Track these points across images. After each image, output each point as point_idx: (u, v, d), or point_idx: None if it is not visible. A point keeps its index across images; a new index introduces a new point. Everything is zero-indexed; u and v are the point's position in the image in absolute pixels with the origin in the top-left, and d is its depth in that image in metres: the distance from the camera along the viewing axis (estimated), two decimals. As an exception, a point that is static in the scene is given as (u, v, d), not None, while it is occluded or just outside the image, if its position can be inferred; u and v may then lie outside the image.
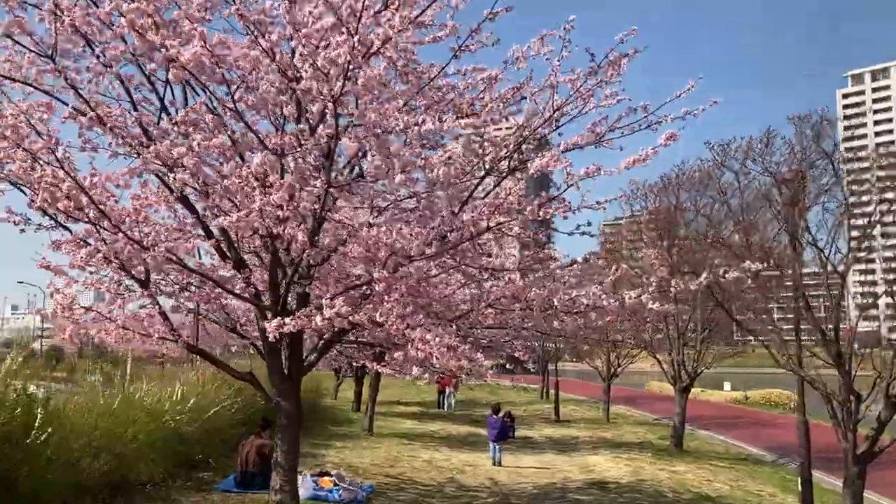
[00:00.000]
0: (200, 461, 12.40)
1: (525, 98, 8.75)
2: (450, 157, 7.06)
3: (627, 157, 7.12)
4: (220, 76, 7.28)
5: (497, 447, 17.21)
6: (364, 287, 9.01)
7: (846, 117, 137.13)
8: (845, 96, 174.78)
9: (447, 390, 34.61)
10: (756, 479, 18.26)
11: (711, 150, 12.39)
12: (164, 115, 8.62)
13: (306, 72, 6.52)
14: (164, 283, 10.13)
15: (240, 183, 7.05)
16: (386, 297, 7.89)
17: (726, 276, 7.72)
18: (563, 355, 49.96)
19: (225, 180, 7.20)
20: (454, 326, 8.96)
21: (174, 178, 7.31)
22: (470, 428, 26.53)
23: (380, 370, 20.13)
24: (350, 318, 7.57)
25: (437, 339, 7.36)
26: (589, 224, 9.98)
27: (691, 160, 14.88)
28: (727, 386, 45.90)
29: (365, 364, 30.42)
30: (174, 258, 8.43)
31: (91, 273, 9.21)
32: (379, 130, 6.86)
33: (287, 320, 7.92)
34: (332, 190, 7.55)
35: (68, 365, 28.11)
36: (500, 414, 17.80)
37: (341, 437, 19.65)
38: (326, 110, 6.99)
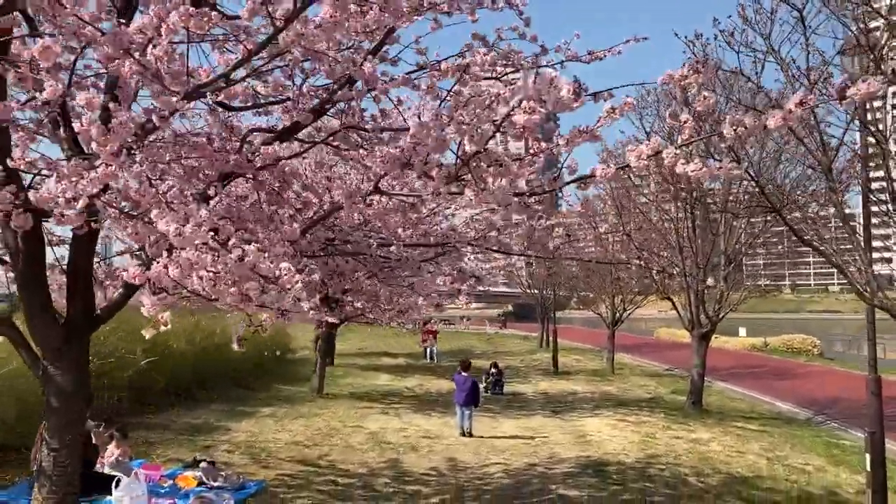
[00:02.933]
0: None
1: None
2: None
3: None
4: None
5: (466, 413, 13.03)
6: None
7: None
8: None
9: (429, 341, 30.49)
10: (795, 447, 14.05)
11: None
12: None
13: None
14: None
15: None
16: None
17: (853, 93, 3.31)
18: (565, 300, 45.87)
19: None
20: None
21: None
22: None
23: (329, 318, 16.10)
24: None
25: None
26: (577, 82, 5.91)
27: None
28: (742, 332, 41.54)
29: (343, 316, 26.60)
30: None
31: None
32: None
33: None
34: None
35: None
36: (470, 371, 13.57)
37: (282, 399, 15.53)
38: None
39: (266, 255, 3.25)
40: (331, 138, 5.70)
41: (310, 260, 6.07)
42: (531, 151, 3.64)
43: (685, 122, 3.92)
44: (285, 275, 3.19)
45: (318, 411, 14.32)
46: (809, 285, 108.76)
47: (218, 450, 9.90)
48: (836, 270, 9.20)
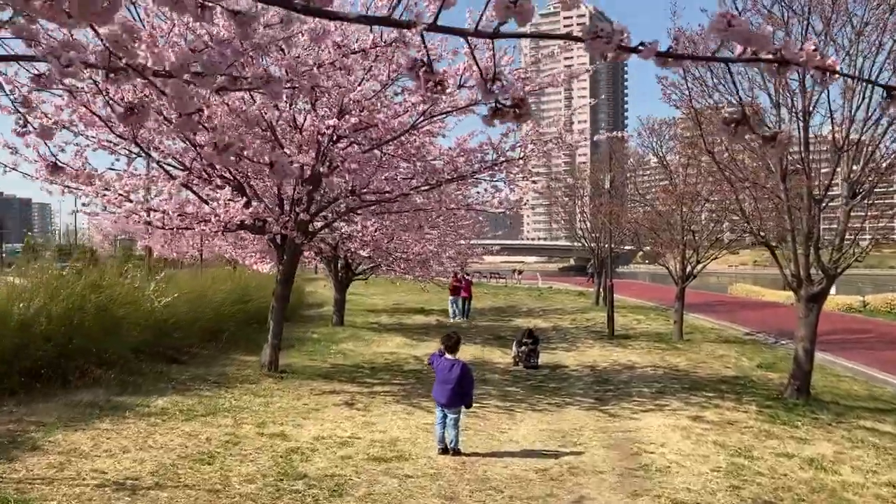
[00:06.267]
0: None
1: None
2: None
3: None
4: None
5: (451, 418, 7.90)
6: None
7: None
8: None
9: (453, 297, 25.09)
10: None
11: None
12: None
13: None
14: None
15: None
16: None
17: None
18: (630, 254, 40.12)
19: None
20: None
21: None
22: (481, 351, 17.37)
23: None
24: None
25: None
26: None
27: None
28: (832, 289, 34.82)
29: (349, 264, 21.67)
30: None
31: None
32: None
33: None
34: None
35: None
36: (457, 353, 8.28)
37: (210, 381, 10.68)
38: None
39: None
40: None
41: None
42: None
43: None
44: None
45: (246, 402, 9.43)
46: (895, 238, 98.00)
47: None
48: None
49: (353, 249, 17.18)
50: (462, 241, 26.79)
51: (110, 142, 10.18)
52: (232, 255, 11.36)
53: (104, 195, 9.21)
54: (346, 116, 9.46)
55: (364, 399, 10.36)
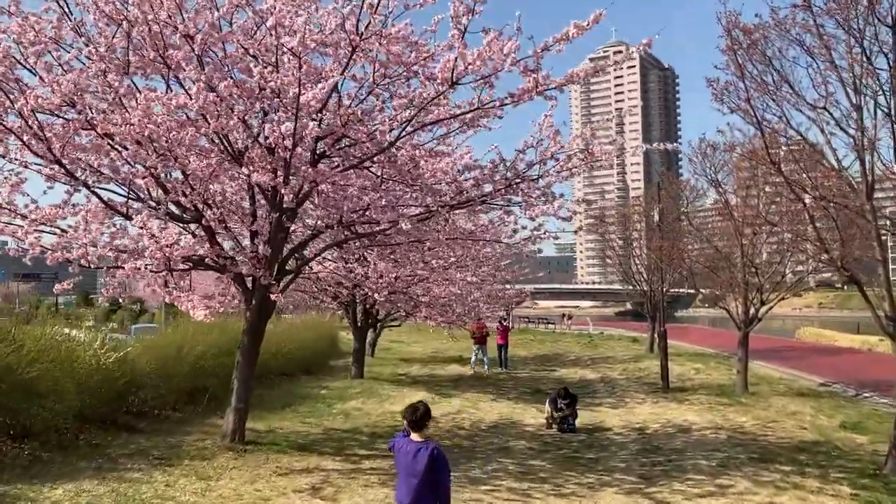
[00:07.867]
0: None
1: None
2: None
3: None
4: None
5: (420, 527, 5.53)
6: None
7: None
8: None
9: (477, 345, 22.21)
10: None
11: None
12: None
13: None
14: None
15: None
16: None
17: None
18: (689, 297, 36.99)
19: None
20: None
21: None
22: (512, 408, 14.90)
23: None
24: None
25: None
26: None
27: None
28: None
29: (370, 312, 19.44)
30: None
31: None
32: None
33: None
34: None
35: None
36: (426, 433, 5.88)
37: (158, 455, 8.58)
38: None
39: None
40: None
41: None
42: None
43: None
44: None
45: (178, 489, 7.23)
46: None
47: None
48: None
49: (367, 293, 15.07)
50: (506, 286, 24.48)
51: (39, 164, 8.40)
52: (171, 299, 9.51)
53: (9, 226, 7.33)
54: (305, 121, 7.40)
55: (339, 481, 8.06)
